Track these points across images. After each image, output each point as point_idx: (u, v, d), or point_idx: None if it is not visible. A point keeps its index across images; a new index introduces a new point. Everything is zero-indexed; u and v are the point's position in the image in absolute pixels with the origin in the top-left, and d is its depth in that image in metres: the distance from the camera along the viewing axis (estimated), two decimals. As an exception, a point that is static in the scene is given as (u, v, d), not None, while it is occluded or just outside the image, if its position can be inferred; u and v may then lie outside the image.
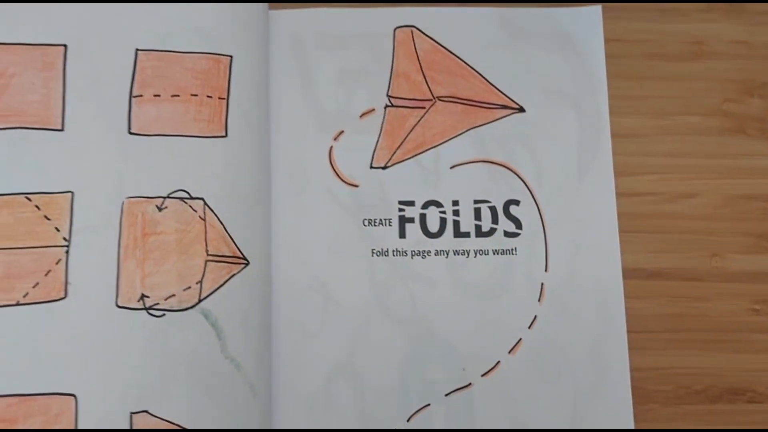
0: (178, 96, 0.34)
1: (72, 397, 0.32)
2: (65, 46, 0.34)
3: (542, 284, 0.36)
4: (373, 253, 0.36)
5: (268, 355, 0.34)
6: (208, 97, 0.34)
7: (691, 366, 0.37)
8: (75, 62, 0.34)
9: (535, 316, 0.36)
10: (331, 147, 0.37)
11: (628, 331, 0.37)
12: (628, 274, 0.37)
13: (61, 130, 0.33)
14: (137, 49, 0.34)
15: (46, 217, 0.33)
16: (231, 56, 0.35)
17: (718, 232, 0.38)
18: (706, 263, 0.38)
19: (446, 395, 0.35)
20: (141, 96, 0.34)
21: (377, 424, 0.34)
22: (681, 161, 0.39)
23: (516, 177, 0.37)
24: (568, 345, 0.36)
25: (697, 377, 0.37)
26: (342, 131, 0.37)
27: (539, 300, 0.36)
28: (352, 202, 0.37)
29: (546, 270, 0.36)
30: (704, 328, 0.38)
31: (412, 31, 0.38)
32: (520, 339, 0.36)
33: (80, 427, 0.32)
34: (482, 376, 0.35)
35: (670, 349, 0.37)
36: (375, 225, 0.37)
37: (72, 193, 0.33)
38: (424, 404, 0.35)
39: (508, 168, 0.37)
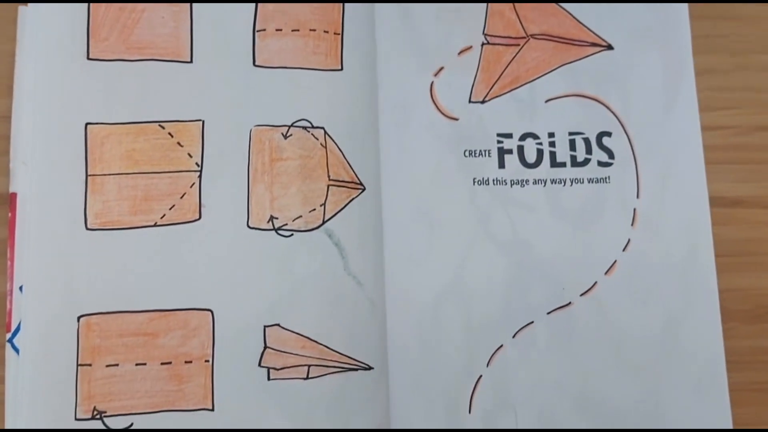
0: (298, 30, 0.37)
1: (209, 312, 0.35)
2: (191, -19, 0.37)
3: (634, 209, 0.39)
4: (474, 182, 0.39)
5: (383, 275, 0.37)
6: (325, 32, 0.37)
7: (770, 287, 0.41)
8: (201, -2, 0.37)
9: (629, 240, 0.39)
10: (432, 83, 0.40)
11: (711, 255, 0.40)
12: (710, 202, 0.41)
13: (190, 62, 0.36)
14: (259, -15, 0.37)
15: (179, 143, 0.36)
16: (344, -6, 0.38)
17: (791, 162, 0.42)
18: (782, 192, 0.41)
19: (548, 313, 0.38)
20: (264, 30, 0.37)
21: (484, 340, 0.38)
22: (756, 96, 0.43)
23: (607, 110, 0.40)
24: (661, 266, 0.39)
25: (776, 298, 0.41)
26: (442, 67, 0.40)
27: (632, 224, 0.39)
28: (452, 135, 0.40)
29: (638, 197, 0.40)
30: (781, 253, 0.41)
31: (505, -27, 0.41)
32: (615, 261, 0.39)
33: (217, 339, 0.35)
34: (581, 295, 0.39)
35: (749, 271, 0.41)
36: (475, 156, 0.40)
37: (202, 121, 0.36)
38: (527, 322, 0.38)
39: (599, 101, 0.40)
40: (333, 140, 0.36)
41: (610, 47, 0.41)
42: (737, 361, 0.39)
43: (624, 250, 0.39)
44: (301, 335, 0.35)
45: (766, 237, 0.41)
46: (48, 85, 0.35)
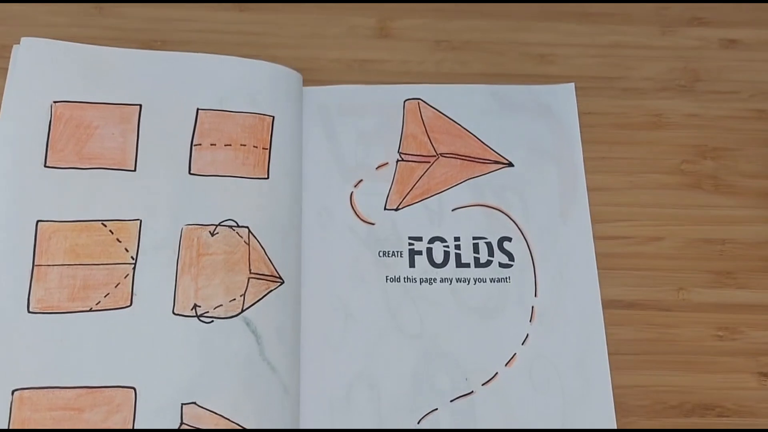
0: (230, 145, 0.44)
1: (132, 390, 0.39)
2: (140, 105, 0.44)
3: (533, 307, 0.44)
4: (387, 279, 0.45)
5: (298, 362, 0.42)
6: (254, 147, 0.44)
7: (666, 384, 0.44)
8: (148, 118, 0.44)
9: (528, 334, 0.44)
10: (352, 192, 0.47)
11: (610, 354, 0.44)
12: (608, 304, 0.46)
13: (134, 170, 0.43)
14: (198, 109, 0.45)
15: (117, 239, 0.42)
16: (273, 116, 0.45)
17: (682, 269, 0.47)
18: (674, 296, 0.46)
19: (451, 401, 0.43)
20: (200, 144, 0.44)
21: (391, 425, 0.42)
22: (648, 211, 0.49)
23: (508, 218, 0.46)
24: (557, 360, 0.43)
25: (672, 394, 0.44)
26: (361, 180, 0.47)
27: (530, 321, 0.44)
28: (369, 237, 0.46)
29: (536, 296, 0.45)
30: (675, 352, 0.45)
31: (418, 103, 0.49)
32: (515, 353, 0.44)
33: (138, 414, 0.39)
34: (483, 385, 0.43)
35: (647, 369, 0.45)
36: (389, 256, 0.45)
37: (140, 220, 0.42)
38: (432, 409, 0.42)
39: (500, 211, 0.47)
40: (256, 238, 0.42)
41: (510, 164, 0.48)
42: (637, 455, 0.42)
43: (523, 343, 0.44)
44: (215, 413, 0.39)
45: (662, 337, 0.45)
46: (7, 187, 0.41)
